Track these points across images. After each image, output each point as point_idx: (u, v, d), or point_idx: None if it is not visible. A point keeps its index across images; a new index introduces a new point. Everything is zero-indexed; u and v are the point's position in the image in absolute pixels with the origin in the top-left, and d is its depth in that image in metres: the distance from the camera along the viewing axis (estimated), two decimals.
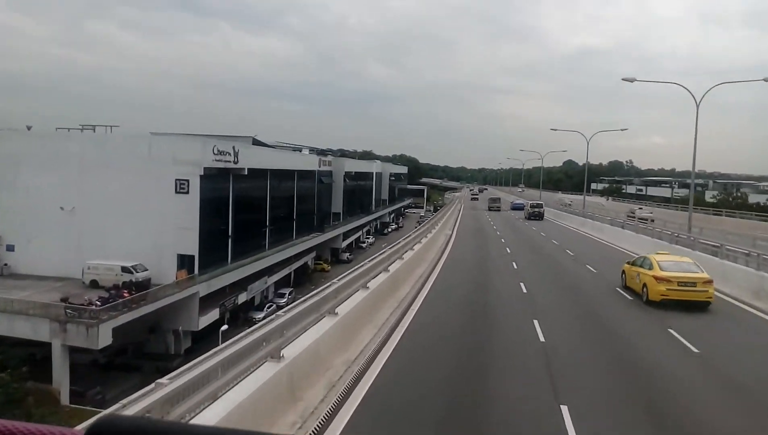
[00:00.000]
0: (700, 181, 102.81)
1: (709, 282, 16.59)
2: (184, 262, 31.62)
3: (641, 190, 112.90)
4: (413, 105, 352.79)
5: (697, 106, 28.72)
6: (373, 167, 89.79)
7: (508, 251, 30.11)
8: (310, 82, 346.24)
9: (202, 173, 30.72)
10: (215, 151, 31.91)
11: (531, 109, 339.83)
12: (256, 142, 44.93)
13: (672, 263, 17.52)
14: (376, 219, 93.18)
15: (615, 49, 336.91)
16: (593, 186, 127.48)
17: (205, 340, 30.18)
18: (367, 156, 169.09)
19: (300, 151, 62.46)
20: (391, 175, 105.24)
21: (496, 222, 54.10)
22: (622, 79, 30.96)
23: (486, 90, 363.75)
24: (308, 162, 56.26)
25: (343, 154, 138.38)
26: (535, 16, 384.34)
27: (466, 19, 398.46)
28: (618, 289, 19.23)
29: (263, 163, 41.88)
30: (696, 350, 12.09)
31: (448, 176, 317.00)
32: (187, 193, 30.57)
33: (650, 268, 17.47)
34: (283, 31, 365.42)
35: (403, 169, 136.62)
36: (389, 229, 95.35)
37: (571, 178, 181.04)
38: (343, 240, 67.62)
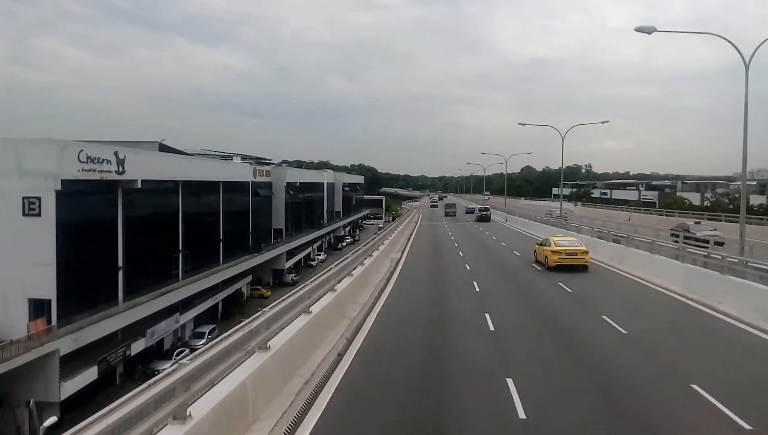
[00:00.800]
0: (668, 182, 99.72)
1: (586, 252, 25.58)
2: (42, 308, 23.32)
3: (605, 194, 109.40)
4: (373, 117, 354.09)
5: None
6: (324, 177, 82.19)
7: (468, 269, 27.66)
8: (267, 96, 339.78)
9: (59, 188, 22.56)
10: (82, 159, 23.78)
11: (489, 118, 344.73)
12: (164, 148, 36.79)
13: (564, 241, 26.96)
14: (329, 233, 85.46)
15: (567, 58, 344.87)
16: (554, 190, 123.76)
17: (84, 405, 22.74)
18: (323, 166, 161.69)
19: (230, 160, 54.46)
20: (345, 185, 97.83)
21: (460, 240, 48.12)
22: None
23: (445, 101, 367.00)
24: (239, 172, 48.23)
25: (299, 165, 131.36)
26: (489, 28, 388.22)
27: (422, 32, 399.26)
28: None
29: (170, 174, 33.85)
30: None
31: (409, 185, 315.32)
32: (39, 215, 22.40)
33: (549, 245, 26.22)
34: (240, 45, 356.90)
35: (359, 179, 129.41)
36: (343, 244, 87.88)
37: (531, 184, 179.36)
38: (288, 259, 59.68)
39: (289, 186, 60.23)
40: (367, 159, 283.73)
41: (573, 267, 24.63)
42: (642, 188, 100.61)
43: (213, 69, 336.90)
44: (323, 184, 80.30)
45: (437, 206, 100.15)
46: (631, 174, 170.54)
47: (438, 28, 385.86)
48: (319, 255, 73.54)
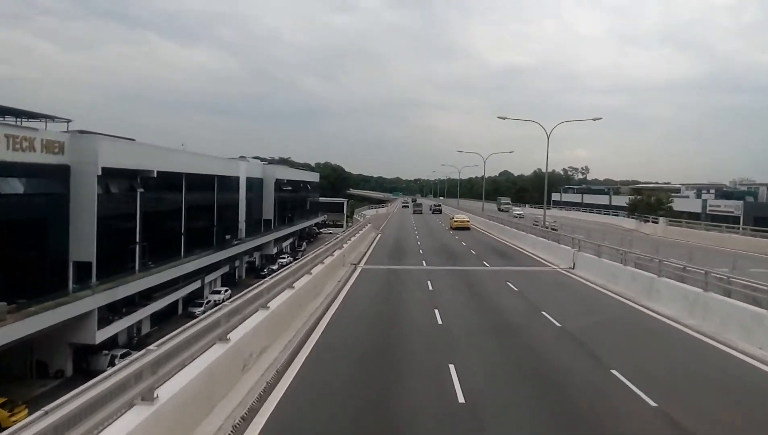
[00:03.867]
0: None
1: (468, 221, 55.64)
2: None
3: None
4: (348, 119, 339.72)
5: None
6: (238, 169, 54.68)
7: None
8: (244, 96, 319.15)
9: None
10: None
11: (465, 123, 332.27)
12: None
13: (458, 216, 57.79)
14: (247, 253, 58.05)
15: (541, 66, 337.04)
16: (553, 196, 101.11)
17: None
18: (283, 163, 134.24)
19: None
20: (284, 183, 70.22)
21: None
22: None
23: (421, 105, 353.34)
24: None
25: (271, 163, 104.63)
26: (466, 35, 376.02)
27: (399, 37, 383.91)
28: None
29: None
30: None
31: (382, 188, 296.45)
32: None
33: (452, 218, 56.98)
34: (215, 44, 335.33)
35: (314, 177, 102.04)
36: (274, 267, 60.28)
37: (523, 188, 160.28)
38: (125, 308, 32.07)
39: (145, 179, 32.70)
40: (342, 160, 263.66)
41: (461, 228, 52.28)
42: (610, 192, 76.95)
43: (187, 68, 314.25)
44: (234, 180, 52.96)
45: (408, 207, 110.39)
46: (599, 180, 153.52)
47: (414, 32, 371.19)
48: (218, 293, 45.89)
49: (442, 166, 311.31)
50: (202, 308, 39.36)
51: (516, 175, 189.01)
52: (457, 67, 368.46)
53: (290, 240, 77.83)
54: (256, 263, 62.53)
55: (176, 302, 40.43)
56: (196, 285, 43.04)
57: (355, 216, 55.01)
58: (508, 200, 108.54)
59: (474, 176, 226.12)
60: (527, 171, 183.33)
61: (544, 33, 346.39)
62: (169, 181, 39.19)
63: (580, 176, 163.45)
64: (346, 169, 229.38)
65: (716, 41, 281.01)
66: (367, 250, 33.54)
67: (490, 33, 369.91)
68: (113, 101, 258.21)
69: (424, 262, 29.17)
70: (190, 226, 42.46)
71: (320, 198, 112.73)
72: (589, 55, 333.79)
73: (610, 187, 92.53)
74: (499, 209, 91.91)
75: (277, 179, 65.61)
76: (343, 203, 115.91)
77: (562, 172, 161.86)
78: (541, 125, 41.96)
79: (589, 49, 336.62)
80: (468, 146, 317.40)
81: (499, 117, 43.92)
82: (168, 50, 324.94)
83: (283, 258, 65.67)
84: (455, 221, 54.36)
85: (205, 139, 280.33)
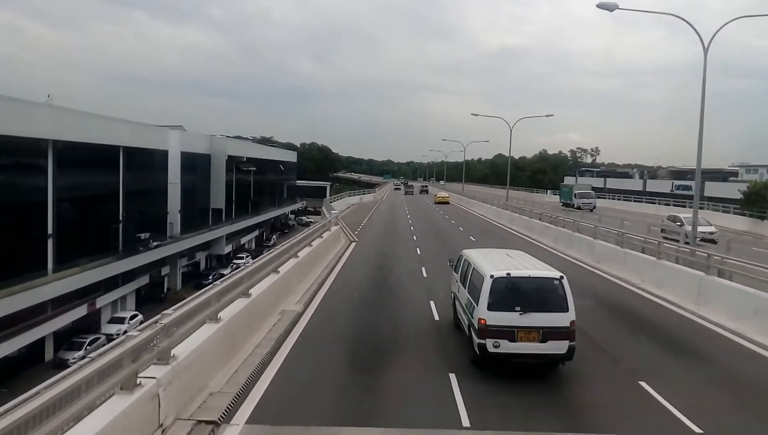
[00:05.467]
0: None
1: (448, 197, 70.16)
2: None
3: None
4: (341, 101, 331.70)
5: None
6: (165, 140, 39.46)
7: None
8: (235, 76, 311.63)
9: None
10: None
11: (457, 106, 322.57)
12: None
13: (441, 192, 75.27)
14: (190, 252, 43.53)
15: (535, 48, 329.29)
16: (566, 180, 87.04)
17: None
18: (266, 142, 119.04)
19: None
20: (243, 161, 55.16)
21: None
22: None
23: (414, 87, 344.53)
24: None
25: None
26: (459, 16, 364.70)
27: (392, 17, 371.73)
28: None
29: None
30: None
31: (373, 171, 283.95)
32: None
33: (436, 195, 72.41)
34: (205, 22, 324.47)
35: (289, 156, 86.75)
36: (225, 271, 45.50)
37: (524, 172, 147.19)
38: None
39: None
40: (333, 143, 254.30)
41: (442, 203, 65.23)
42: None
43: (178, 47, 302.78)
44: (158, 155, 38.01)
45: (400, 189, 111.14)
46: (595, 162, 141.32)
47: (407, 13, 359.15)
48: (121, 321, 31.21)
49: (431, 151, 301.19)
50: (80, 352, 25.35)
51: (507, 155, 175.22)
52: (450, 48, 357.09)
53: (255, 233, 63.16)
54: (202, 267, 47.95)
55: (40, 343, 25.97)
56: (80, 312, 28.50)
57: (323, 209, 39.36)
58: (588, 189, 62.69)
59: (471, 158, 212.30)
60: (517, 154, 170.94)
61: (538, 15, 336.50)
62: (22, 150, 24.45)
63: (590, 159, 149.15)
64: (338, 152, 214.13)
65: (706, 23, 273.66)
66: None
67: (483, 15, 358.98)
68: (105, 81, 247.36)
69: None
70: (67, 223, 27.77)
71: (300, 181, 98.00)
72: (583, 38, 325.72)
73: (642, 170, 77.94)
74: (567, 205, 57.32)
75: (230, 156, 50.56)
76: (325, 187, 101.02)
77: (569, 155, 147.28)
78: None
79: (583, 31, 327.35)
80: (460, 129, 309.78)
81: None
82: (157, 29, 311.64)
83: (241, 258, 51.07)
84: (437, 197, 70.67)
85: (198, 119, 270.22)
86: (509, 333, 9.43)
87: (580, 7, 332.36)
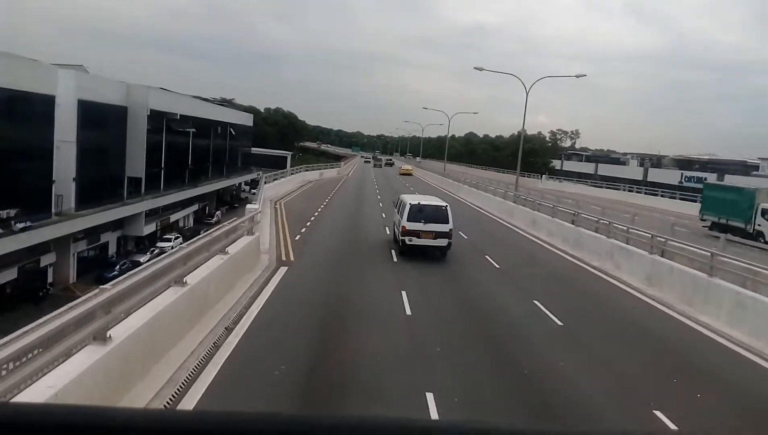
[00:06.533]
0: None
1: (411, 169, 79.84)
2: None
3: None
4: (311, 68, 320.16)
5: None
6: (49, 81, 28.36)
7: None
8: (201, 36, 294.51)
9: None
10: None
11: (431, 81, 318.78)
12: None
13: (405, 165, 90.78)
14: (92, 232, 33.08)
15: (505, 28, 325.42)
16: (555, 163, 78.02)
17: None
18: (227, 104, 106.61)
19: None
20: (176, 120, 44.22)
21: None
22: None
23: (388, 60, 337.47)
24: None
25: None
26: None
27: None
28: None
29: None
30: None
31: (342, 142, 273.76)
32: None
33: (401, 168, 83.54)
34: None
35: (242, 118, 75.38)
36: (142, 258, 34.54)
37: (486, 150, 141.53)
38: None
39: None
40: (301, 111, 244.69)
41: (407, 175, 73.37)
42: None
43: (143, 1, 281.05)
44: (37, 101, 27.14)
45: (370, 162, 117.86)
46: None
47: None
48: None
49: (405, 123, 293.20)
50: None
51: (481, 136, 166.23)
52: (424, 22, 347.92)
53: (193, 208, 52.61)
54: (111, 252, 37.47)
55: None
56: None
57: (256, 192, 28.83)
58: None
59: (441, 135, 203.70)
60: (492, 133, 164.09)
61: None
62: None
63: (569, 142, 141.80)
64: (305, 120, 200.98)
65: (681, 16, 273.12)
66: None
67: None
68: (62, 33, 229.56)
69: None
70: None
71: (257, 149, 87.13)
72: (555, 21, 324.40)
73: (643, 157, 69.73)
74: (728, 228, 29.75)
75: (157, 112, 39.62)
76: (286, 157, 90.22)
77: (547, 136, 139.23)
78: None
79: (557, 14, 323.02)
80: (432, 105, 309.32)
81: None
82: None
83: (169, 240, 40.70)
84: (402, 169, 79.38)
85: (165, 80, 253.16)
86: (417, 233, 17.83)
87: None
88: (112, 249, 37.57)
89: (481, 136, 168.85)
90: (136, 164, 37.63)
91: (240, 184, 76.02)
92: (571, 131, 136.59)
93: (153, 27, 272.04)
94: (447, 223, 17.70)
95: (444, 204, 18.54)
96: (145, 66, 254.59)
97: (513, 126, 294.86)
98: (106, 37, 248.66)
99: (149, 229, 39.94)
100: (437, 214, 17.83)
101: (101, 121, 34.19)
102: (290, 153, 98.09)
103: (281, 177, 43.63)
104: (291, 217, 25.43)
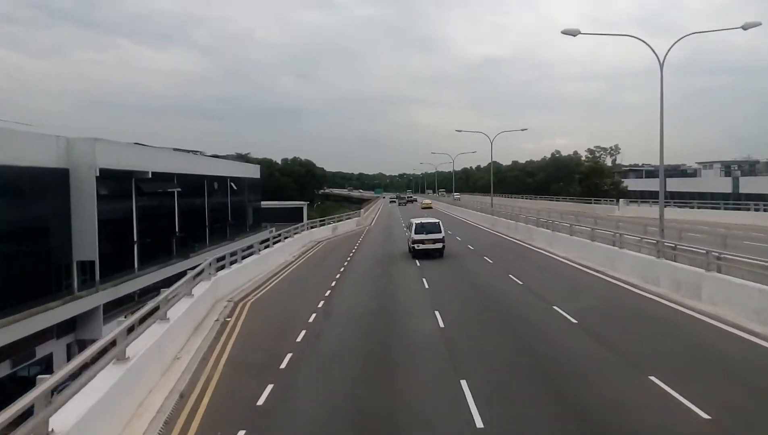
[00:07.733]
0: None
1: (430, 203, 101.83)
2: None
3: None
4: (328, 117, 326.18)
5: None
6: None
7: None
8: (220, 98, 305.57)
9: None
10: None
11: (444, 116, 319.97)
12: None
13: (425, 200, 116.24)
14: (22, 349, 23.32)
15: (517, 56, 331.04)
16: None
17: None
18: (242, 159, 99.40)
19: None
20: (144, 179, 34.98)
21: None
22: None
23: (400, 100, 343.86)
24: None
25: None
26: (441, 27, 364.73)
27: (374, 32, 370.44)
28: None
29: None
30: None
31: (365, 186, 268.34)
32: None
33: (421, 202, 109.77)
34: (188, 45, 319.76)
35: (247, 171, 66.36)
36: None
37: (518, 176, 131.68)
38: None
39: None
40: (321, 159, 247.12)
41: (427, 208, 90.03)
42: None
43: (162, 72, 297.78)
44: None
45: (395, 202, 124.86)
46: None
47: (390, 27, 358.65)
48: None
49: (421, 164, 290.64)
50: None
51: (504, 165, 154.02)
52: (434, 60, 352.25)
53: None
54: (57, 363, 27.58)
55: None
56: None
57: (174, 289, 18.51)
58: None
59: (469, 167, 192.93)
60: (516, 159, 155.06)
61: (520, 24, 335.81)
62: None
63: (609, 160, 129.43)
64: (326, 168, 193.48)
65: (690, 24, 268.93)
66: None
67: (466, 24, 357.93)
68: (84, 109, 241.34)
69: None
70: None
71: (268, 202, 78.11)
72: (564, 44, 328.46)
73: (729, 165, 57.52)
74: None
75: (109, 171, 30.13)
76: (301, 208, 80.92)
77: (585, 156, 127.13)
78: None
79: (564, 37, 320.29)
80: (447, 139, 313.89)
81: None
82: (141, 54, 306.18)
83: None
84: (423, 203, 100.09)
85: (180, 141, 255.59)
86: (421, 241, 30.94)
87: (560, 14, 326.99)
88: (61, 357, 27.74)
89: (506, 163, 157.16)
90: (85, 243, 28.10)
91: (253, 245, 66.57)
92: (611, 147, 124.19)
93: (173, 95, 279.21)
94: (440, 232, 31.26)
95: (437, 220, 32.85)
96: (163, 130, 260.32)
97: (533, 151, 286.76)
98: (130, 108, 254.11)
99: (112, 328, 30.02)
100: (433, 228, 31.54)
101: (27, 191, 24.95)
102: (306, 203, 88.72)
103: (276, 240, 33.74)
104: (248, 349, 14.23)
